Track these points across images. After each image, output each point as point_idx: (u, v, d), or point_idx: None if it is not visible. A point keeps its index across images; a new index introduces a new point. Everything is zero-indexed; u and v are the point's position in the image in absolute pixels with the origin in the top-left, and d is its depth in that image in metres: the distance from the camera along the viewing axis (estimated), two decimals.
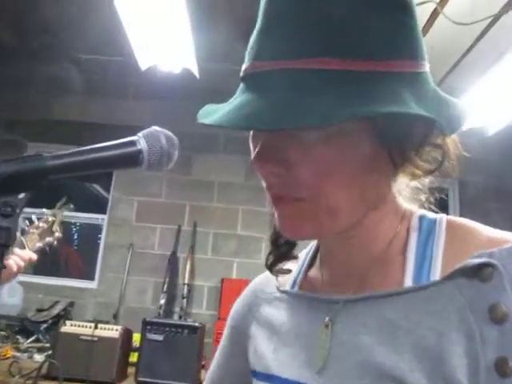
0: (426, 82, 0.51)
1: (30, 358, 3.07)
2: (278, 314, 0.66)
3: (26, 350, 3.14)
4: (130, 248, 3.90)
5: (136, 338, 3.16)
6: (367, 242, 0.57)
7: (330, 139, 0.48)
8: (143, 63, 3.16)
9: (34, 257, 1.63)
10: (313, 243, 0.69)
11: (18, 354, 3.03)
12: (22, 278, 3.81)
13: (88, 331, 2.63)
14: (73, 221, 4.33)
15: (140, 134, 0.65)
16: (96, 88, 4.14)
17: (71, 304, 3.67)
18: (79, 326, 2.66)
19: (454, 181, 3.82)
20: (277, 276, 0.67)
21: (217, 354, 0.78)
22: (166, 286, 3.62)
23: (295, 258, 0.67)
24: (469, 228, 0.53)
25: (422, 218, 0.57)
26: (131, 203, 4.03)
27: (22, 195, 0.57)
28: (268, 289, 0.70)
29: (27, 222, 1.66)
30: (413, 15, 0.49)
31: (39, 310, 3.53)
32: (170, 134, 0.66)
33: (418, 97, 0.48)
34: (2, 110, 3.99)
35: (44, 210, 1.69)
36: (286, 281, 0.67)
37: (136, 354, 2.85)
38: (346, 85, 0.45)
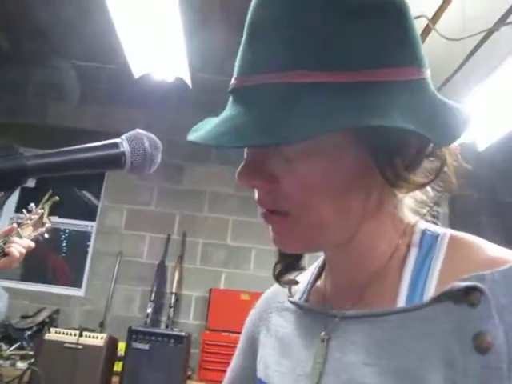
0: (421, 89, 0.49)
1: (13, 365, 3.03)
2: (284, 324, 0.66)
3: (8, 358, 3.09)
4: (119, 256, 3.87)
5: (121, 346, 3.13)
6: (366, 257, 0.56)
7: (313, 154, 0.48)
8: (137, 71, 3.17)
9: (32, 244, 1.77)
10: (323, 255, 0.68)
11: (0, 362, 2.99)
12: (7, 283, 3.77)
13: (73, 339, 2.60)
14: (62, 227, 4.28)
15: (123, 137, 0.64)
16: (89, 94, 4.13)
17: (57, 311, 3.62)
18: (64, 333, 2.64)
19: (445, 195, 3.84)
20: (284, 286, 0.67)
21: (232, 363, 0.79)
22: (153, 295, 3.59)
23: (302, 268, 0.67)
24: (472, 246, 0.51)
25: (424, 233, 0.55)
26: (121, 211, 4.01)
27: (1, 193, 0.56)
28: (279, 298, 0.70)
29: (20, 215, 1.84)
30: (405, 22, 0.48)
31: (24, 317, 3.48)
32: (153, 137, 0.65)
33: (406, 107, 0.46)
34: None
35: (32, 204, 1.88)
36: (297, 291, 0.67)
37: (121, 363, 2.82)
38: (326, 97, 0.44)
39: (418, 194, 0.56)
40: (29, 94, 4.21)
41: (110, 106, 4.11)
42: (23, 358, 3.12)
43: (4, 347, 3.21)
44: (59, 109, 4.12)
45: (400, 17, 0.47)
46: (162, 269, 3.77)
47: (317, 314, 0.60)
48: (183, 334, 2.75)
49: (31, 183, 4.22)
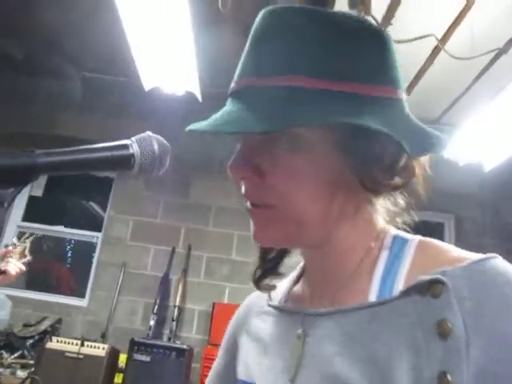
0: (399, 107, 0.55)
1: (13, 374, 3.02)
2: (264, 326, 0.70)
3: (9, 366, 3.08)
4: (123, 267, 3.87)
5: (122, 358, 3.11)
6: (341, 259, 0.60)
7: (296, 151, 0.53)
8: (147, 84, 3.21)
9: (24, 268, 1.96)
10: (302, 263, 0.72)
11: (0, 370, 2.97)
12: (11, 292, 3.78)
13: (74, 348, 2.60)
14: (67, 237, 4.30)
15: (133, 139, 0.65)
16: (98, 106, 4.19)
17: (59, 321, 3.61)
18: (65, 342, 2.63)
19: (450, 216, 3.82)
20: (263, 291, 0.70)
21: (215, 363, 0.82)
22: (156, 308, 3.58)
23: (281, 274, 0.70)
24: (437, 248, 0.55)
25: (395, 237, 0.59)
26: (127, 222, 4.02)
27: (11, 190, 0.56)
28: (260, 303, 0.74)
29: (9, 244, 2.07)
30: (388, 47, 0.56)
31: (26, 326, 3.47)
32: (162, 140, 0.66)
33: (386, 118, 0.51)
34: (4, 123, 4.02)
35: (14, 238, 2.16)
36: (277, 295, 0.71)
37: (121, 375, 2.80)
38: (321, 100, 0.51)
39: (389, 204, 0.61)
40: (39, 103, 4.26)
41: (118, 117, 4.15)
42: (24, 366, 3.10)
43: (5, 355, 3.20)
44: (68, 119, 4.17)
45: (384, 43, 0.56)
46: (165, 281, 3.76)
47: (294, 314, 0.64)
48: (185, 347, 2.73)
49: (39, 192, 4.26)
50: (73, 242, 4.82)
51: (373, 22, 2.13)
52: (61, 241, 4.66)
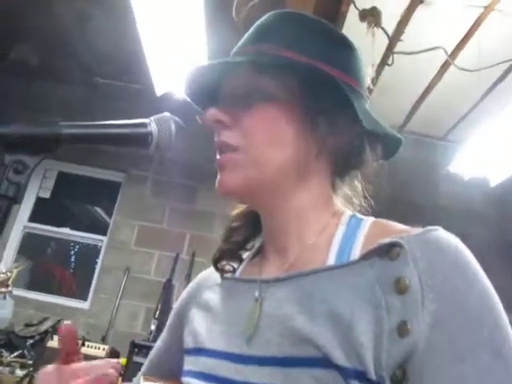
0: (362, 100, 0.65)
1: (12, 373, 3.02)
2: (216, 297, 0.72)
3: (8, 365, 3.08)
4: (126, 271, 3.88)
5: (122, 362, 3.11)
6: (299, 228, 0.65)
7: (266, 103, 0.63)
8: (159, 89, 3.26)
9: None
10: (258, 244, 0.75)
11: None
12: (14, 291, 3.79)
13: None
14: (72, 240, 4.33)
15: (152, 118, 0.68)
16: (110, 111, 4.24)
17: (60, 322, 3.62)
18: None
19: (455, 232, 3.82)
20: (218, 272, 0.74)
21: (158, 340, 0.84)
22: (158, 313, 3.58)
23: (241, 259, 0.75)
24: (389, 224, 0.61)
25: (352, 216, 0.65)
26: (132, 227, 4.05)
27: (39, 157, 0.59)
28: (212, 278, 0.76)
29: None
30: (358, 55, 0.68)
31: (27, 325, 3.48)
32: (179, 121, 0.69)
33: (362, 106, 0.63)
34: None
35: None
36: (232, 269, 0.74)
37: (120, 379, 2.80)
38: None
39: (347, 189, 0.71)
40: (52, 108, 4.32)
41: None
42: (23, 366, 3.10)
43: (5, 354, 3.21)
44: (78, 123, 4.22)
45: (356, 51, 0.68)
46: (168, 287, 3.77)
47: (250, 282, 0.66)
48: None
49: (47, 194, 4.30)
50: (77, 246, 4.85)
51: (383, 35, 2.17)
52: (65, 244, 4.68)
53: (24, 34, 3.90)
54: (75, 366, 0.62)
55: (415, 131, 4.14)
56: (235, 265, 0.74)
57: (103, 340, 3.53)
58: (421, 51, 2.23)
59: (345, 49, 0.67)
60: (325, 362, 0.50)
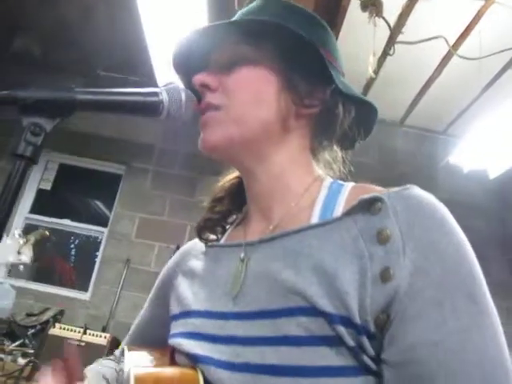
0: (338, 72, 0.69)
1: (14, 361, 3.03)
2: (201, 263, 0.74)
3: (10, 353, 3.10)
4: (127, 263, 3.90)
5: None
6: (281, 189, 0.68)
7: (250, 66, 0.67)
8: (161, 82, 3.27)
9: None
10: (241, 216, 0.77)
11: (1, 356, 2.99)
12: (14, 282, 3.81)
13: (76, 335, 2.63)
14: (73, 232, 4.34)
15: (162, 87, 0.69)
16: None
17: (61, 312, 3.63)
18: (68, 329, 2.66)
19: None
20: (203, 241, 0.76)
21: (142, 311, 0.86)
22: None
23: (224, 230, 0.77)
24: (369, 186, 0.64)
25: (333, 182, 0.68)
26: (133, 219, 4.07)
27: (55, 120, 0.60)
28: (197, 247, 0.78)
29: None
30: (326, 30, 0.72)
31: (29, 315, 3.49)
32: (189, 91, 0.70)
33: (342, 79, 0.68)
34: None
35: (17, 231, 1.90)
36: (217, 238, 0.76)
37: None
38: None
39: (328, 156, 0.74)
40: None
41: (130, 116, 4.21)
42: (24, 354, 3.12)
43: (7, 343, 3.22)
44: (84, 116, 4.23)
45: (331, 32, 0.74)
46: None
47: (234, 247, 0.69)
48: None
49: (48, 186, 4.31)
50: (77, 239, 4.87)
51: (385, 25, 2.18)
52: (65, 237, 4.70)
53: (26, 24, 3.91)
54: None
55: (415, 125, 4.17)
56: (219, 234, 0.77)
57: (104, 330, 3.55)
58: (422, 40, 2.25)
59: (321, 27, 0.72)
60: (311, 311, 0.53)
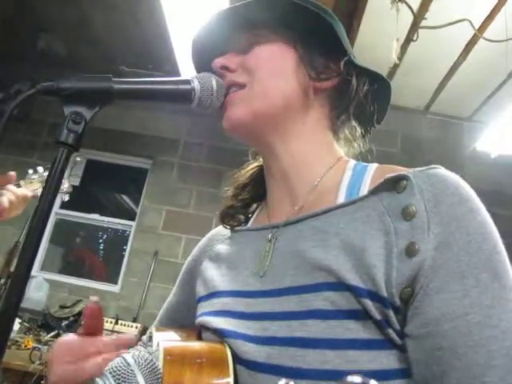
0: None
1: (49, 351, 3.14)
2: (228, 248, 0.75)
3: (46, 343, 3.20)
4: (155, 255, 3.97)
5: None
6: (305, 172, 0.69)
7: (268, 45, 0.69)
8: (184, 76, 3.30)
9: (29, 194, 1.56)
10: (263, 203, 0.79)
11: (38, 346, 3.10)
12: (48, 276, 3.93)
13: (108, 326, 2.70)
14: (102, 225, 4.44)
15: (194, 75, 0.72)
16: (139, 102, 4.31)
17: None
18: None
19: None
20: (228, 226, 0.77)
21: (170, 296, 0.87)
22: None
23: (247, 217, 0.78)
24: (393, 166, 0.64)
25: (357, 164, 0.69)
26: (160, 212, 4.14)
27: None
28: (223, 232, 0.80)
29: (32, 170, 1.69)
30: (338, 21, 0.72)
31: (62, 307, 3.60)
32: (220, 80, 0.72)
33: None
34: (48, 115, 4.20)
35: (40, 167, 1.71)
36: (240, 224, 0.78)
37: None
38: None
39: (347, 134, 0.74)
40: None
41: (154, 111, 4.28)
42: None
43: (42, 333, 3.33)
44: (106, 112, 4.30)
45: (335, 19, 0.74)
46: None
47: (261, 230, 0.70)
48: None
49: (77, 182, 4.41)
50: (106, 233, 4.97)
51: (408, 11, 2.16)
52: (94, 231, 4.81)
53: (51, 24, 4.00)
54: (98, 340, 0.63)
55: (440, 112, 4.11)
56: (242, 221, 0.78)
57: (134, 321, 3.64)
58: (446, 24, 2.22)
59: (330, 15, 0.72)
60: (338, 286, 0.54)
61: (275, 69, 0.69)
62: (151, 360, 0.51)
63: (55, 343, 0.65)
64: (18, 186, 1.57)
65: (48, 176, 0.58)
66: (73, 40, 4.15)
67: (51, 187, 0.58)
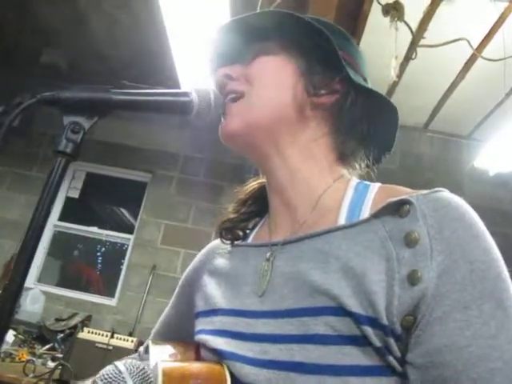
0: (355, 70, 0.71)
1: (44, 364, 3.10)
2: (228, 262, 0.74)
3: (40, 356, 3.17)
4: (153, 269, 3.96)
5: None
6: (303, 189, 0.68)
7: (269, 57, 0.71)
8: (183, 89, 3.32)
9: None
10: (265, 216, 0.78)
11: (33, 359, 3.07)
12: (45, 288, 3.91)
13: (104, 339, 2.67)
14: (100, 238, 4.42)
15: (192, 88, 0.72)
16: (138, 114, 4.33)
17: (89, 317, 3.71)
18: (96, 333, 2.71)
19: None
20: (227, 240, 0.77)
21: (166, 308, 0.87)
22: None
23: (245, 231, 0.78)
24: (396, 187, 0.63)
25: (359, 183, 0.68)
26: (158, 226, 4.13)
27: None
28: (222, 245, 0.79)
29: None
30: (352, 42, 0.75)
31: (58, 320, 3.58)
32: (218, 92, 0.73)
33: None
34: (48, 128, 4.21)
35: None
36: (239, 239, 0.77)
37: None
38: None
39: (347, 152, 0.73)
40: None
41: (154, 124, 4.29)
42: (54, 358, 3.19)
43: (37, 346, 3.31)
44: (107, 125, 4.33)
45: (353, 41, 0.76)
46: None
47: (261, 247, 0.69)
48: None
49: (75, 194, 4.42)
50: (104, 246, 4.95)
51: (407, 30, 2.18)
52: (92, 244, 4.79)
53: (53, 39, 4.04)
54: None
55: (439, 130, 4.13)
56: (240, 236, 0.77)
57: (130, 335, 3.60)
58: (445, 43, 2.25)
59: (341, 34, 0.73)
60: (339, 311, 0.53)
61: (274, 80, 0.70)
62: (143, 368, 0.51)
63: None
64: None
65: (45, 185, 0.59)
66: (75, 54, 4.19)
67: (48, 196, 0.58)
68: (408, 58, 2.56)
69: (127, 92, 0.67)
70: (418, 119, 4.02)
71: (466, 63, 3.00)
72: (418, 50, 2.42)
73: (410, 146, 4.22)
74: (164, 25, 2.72)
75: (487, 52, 2.70)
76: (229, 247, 0.77)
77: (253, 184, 0.82)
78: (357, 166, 0.75)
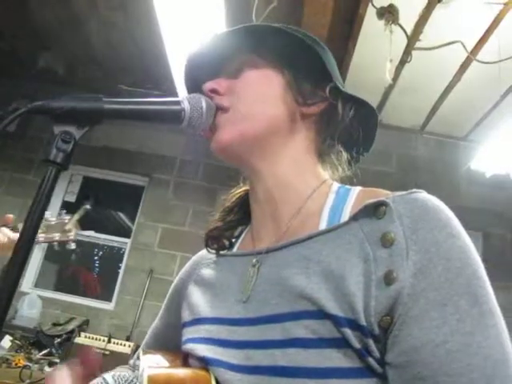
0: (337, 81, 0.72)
1: (41, 370, 3.09)
2: (213, 272, 0.75)
3: (37, 362, 3.16)
4: (150, 273, 3.95)
5: None
6: (290, 195, 0.70)
7: (255, 70, 0.72)
8: (182, 95, 3.32)
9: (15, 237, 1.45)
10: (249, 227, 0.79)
11: (29, 364, 3.06)
12: (41, 292, 3.90)
13: (101, 344, 2.68)
14: (98, 242, 4.42)
15: (184, 96, 0.73)
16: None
17: (86, 322, 3.70)
18: (93, 338, 2.71)
19: (478, 233, 3.80)
20: (213, 249, 0.78)
21: (156, 319, 0.89)
22: None
23: (230, 239, 0.79)
24: (376, 189, 0.65)
25: (340, 187, 0.70)
26: (155, 229, 4.12)
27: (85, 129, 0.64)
28: (208, 256, 0.80)
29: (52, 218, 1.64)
30: (326, 48, 0.75)
31: (55, 325, 3.57)
32: (209, 100, 0.73)
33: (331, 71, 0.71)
34: (45, 132, 4.20)
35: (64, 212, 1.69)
36: (225, 248, 0.79)
37: None
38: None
39: (334, 159, 0.75)
40: None
41: (151, 129, 4.29)
42: (51, 364, 3.18)
43: (34, 352, 3.29)
44: (104, 130, 4.33)
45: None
46: None
47: (246, 256, 0.70)
48: None
49: (72, 198, 4.41)
50: (101, 250, 4.95)
51: (402, 35, 2.19)
52: (89, 248, 4.79)
53: (51, 44, 4.04)
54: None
55: (436, 132, 4.14)
56: (226, 244, 0.79)
57: (128, 340, 3.59)
58: (440, 46, 2.25)
59: (319, 43, 0.74)
60: (319, 314, 0.54)
61: (261, 93, 0.71)
62: (131, 380, 0.51)
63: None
64: (16, 228, 1.54)
65: (36, 195, 0.58)
66: (72, 59, 4.19)
67: (39, 206, 0.58)
68: (403, 60, 2.57)
69: (118, 101, 0.67)
70: (415, 121, 4.02)
71: (461, 65, 3.01)
72: (414, 52, 2.43)
73: (406, 148, 4.23)
74: (159, 29, 2.73)
75: (482, 54, 2.71)
76: (214, 257, 0.78)
77: (239, 191, 0.83)
78: (340, 169, 0.77)
